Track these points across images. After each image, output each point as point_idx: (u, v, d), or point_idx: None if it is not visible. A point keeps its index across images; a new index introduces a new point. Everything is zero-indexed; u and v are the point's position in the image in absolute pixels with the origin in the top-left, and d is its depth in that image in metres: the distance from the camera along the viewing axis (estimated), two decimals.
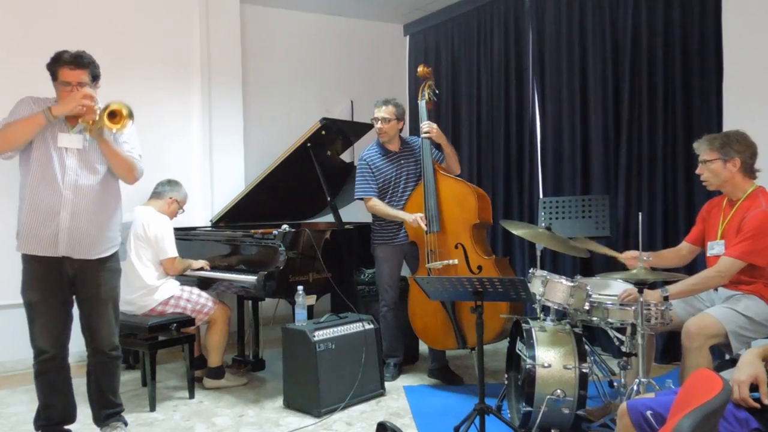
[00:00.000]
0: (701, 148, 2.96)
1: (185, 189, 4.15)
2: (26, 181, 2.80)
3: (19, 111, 2.78)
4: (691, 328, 2.73)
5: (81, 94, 2.70)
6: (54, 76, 2.78)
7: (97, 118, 2.71)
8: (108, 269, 2.96)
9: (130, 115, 2.75)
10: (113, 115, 2.72)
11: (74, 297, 2.93)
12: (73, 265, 2.85)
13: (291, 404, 3.51)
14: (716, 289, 2.97)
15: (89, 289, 2.90)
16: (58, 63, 2.76)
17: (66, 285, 2.87)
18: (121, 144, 2.88)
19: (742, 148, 2.87)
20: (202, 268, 3.99)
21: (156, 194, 4.01)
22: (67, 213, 2.77)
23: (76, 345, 3.03)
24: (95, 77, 2.83)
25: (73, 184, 2.79)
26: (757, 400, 1.86)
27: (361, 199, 4.02)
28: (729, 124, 3.60)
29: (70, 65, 2.74)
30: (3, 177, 3.80)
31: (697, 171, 3.00)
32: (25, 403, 3.69)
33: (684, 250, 3.19)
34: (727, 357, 2.93)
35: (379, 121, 3.94)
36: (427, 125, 3.86)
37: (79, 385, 3.06)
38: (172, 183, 4.07)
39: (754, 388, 1.88)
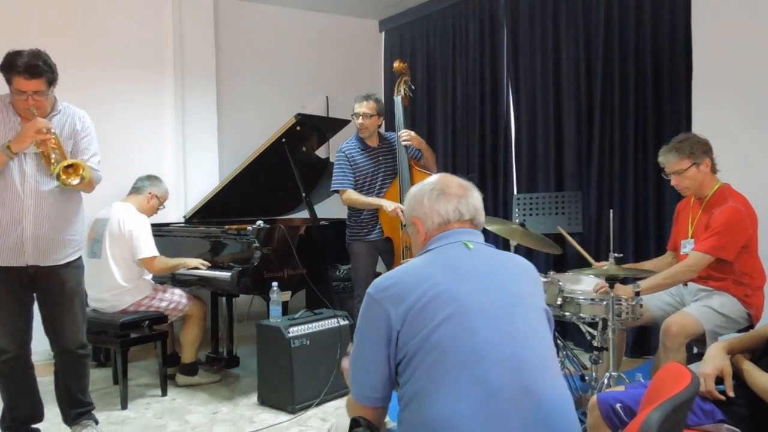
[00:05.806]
0: (668, 159, 2.94)
1: (165, 184, 4.09)
2: None
3: None
4: (673, 328, 2.76)
5: (35, 128, 2.58)
6: (8, 81, 2.63)
7: (54, 162, 2.63)
8: (71, 266, 2.89)
9: (83, 180, 2.68)
10: (69, 166, 2.65)
11: (35, 296, 2.85)
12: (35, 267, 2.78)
13: (265, 401, 3.50)
14: (686, 284, 3.02)
15: (53, 286, 2.83)
16: (12, 70, 2.58)
17: (25, 282, 2.78)
18: (82, 151, 2.81)
19: (705, 147, 2.92)
20: (196, 267, 3.83)
21: (135, 189, 3.94)
22: (29, 221, 2.70)
23: (43, 343, 2.96)
24: (51, 82, 2.68)
25: (34, 191, 2.71)
26: (723, 392, 1.91)
27: (337, 191, 4.00)
28: (698, 124, 3.67)
29: (25, 75, 2.57)
30: None
31: (673, 183, 2.97)
32: None
33: (669, 257, 3.20)
34: (696, 351, 3.00)
35: (360, 117, 3.91)
36: (405, 133, 3.84)
37: (47, 383, 3.00)
38: (151, 178, 4.00)
39: (719, 381, 1.93)
